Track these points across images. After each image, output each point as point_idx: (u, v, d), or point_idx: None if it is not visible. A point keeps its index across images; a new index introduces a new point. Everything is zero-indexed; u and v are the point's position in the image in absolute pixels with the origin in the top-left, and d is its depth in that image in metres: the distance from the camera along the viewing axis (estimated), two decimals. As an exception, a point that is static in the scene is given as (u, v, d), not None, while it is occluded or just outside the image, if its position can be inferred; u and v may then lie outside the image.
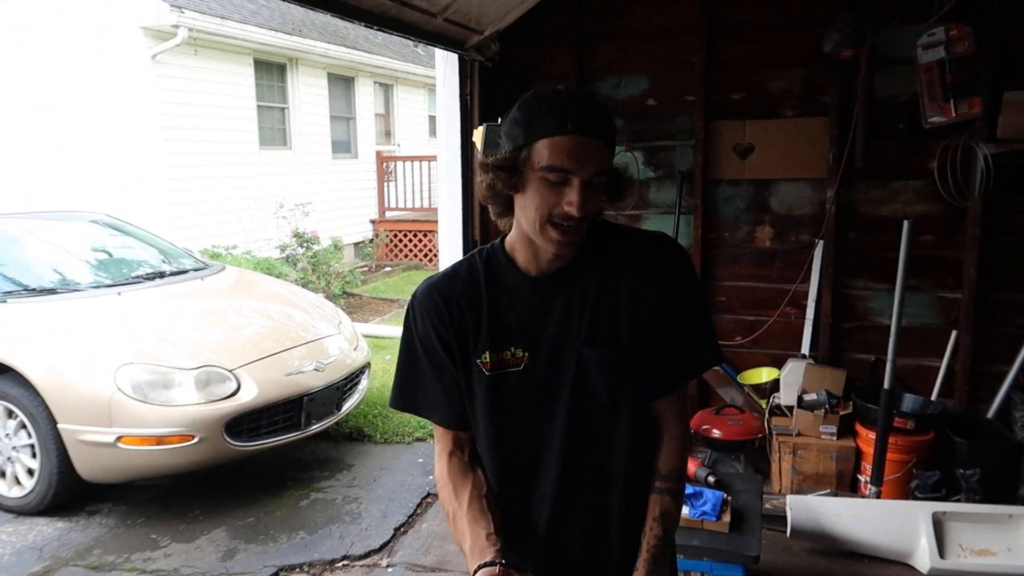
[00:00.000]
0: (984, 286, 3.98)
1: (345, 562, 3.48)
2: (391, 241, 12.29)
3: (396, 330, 7.72)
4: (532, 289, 1.34)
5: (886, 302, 4.09)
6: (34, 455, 3.90)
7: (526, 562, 1.39)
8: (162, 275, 5.01)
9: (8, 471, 4.00)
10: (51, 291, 4.42)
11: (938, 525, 3.23)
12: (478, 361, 1.34)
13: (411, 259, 12.19)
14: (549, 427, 1.35)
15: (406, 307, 1.43)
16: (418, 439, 4.85)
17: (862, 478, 3.79)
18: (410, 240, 12.25)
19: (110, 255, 5.22)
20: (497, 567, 1.23)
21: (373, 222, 12.65)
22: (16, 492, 3.97)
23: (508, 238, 1.38)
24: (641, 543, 1.37)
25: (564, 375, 1.33)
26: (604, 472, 1.37)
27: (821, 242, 4.22)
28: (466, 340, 1.35)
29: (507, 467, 1.39)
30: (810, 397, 3.92)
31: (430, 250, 11.97)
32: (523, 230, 1.32)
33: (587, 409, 1.33)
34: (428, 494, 4.11)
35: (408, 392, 1.43)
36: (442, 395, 1.40)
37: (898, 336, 3.50)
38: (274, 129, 11.10)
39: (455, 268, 1.41)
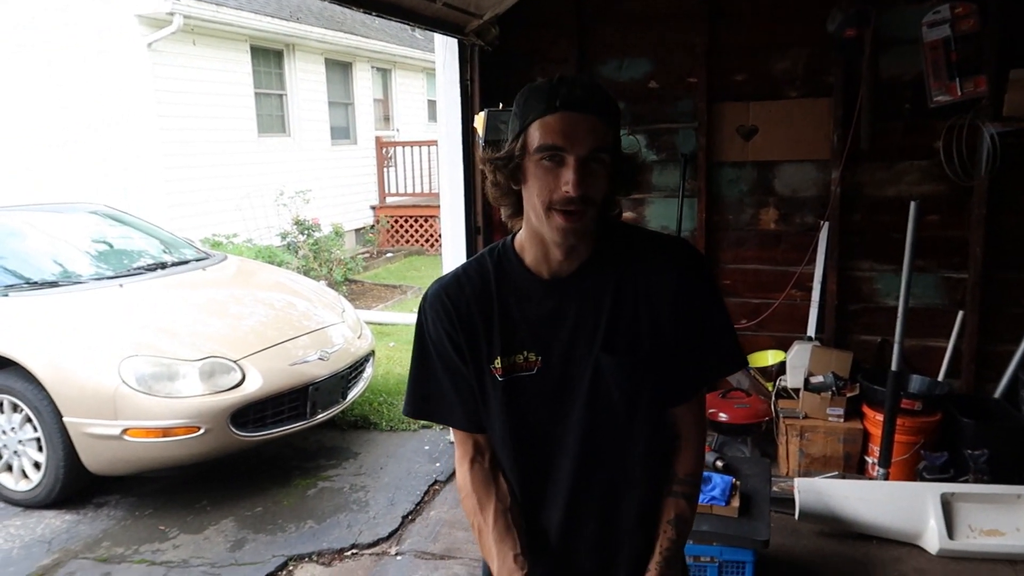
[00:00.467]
0: (991, 266, 3.96)
1: (354, 551, 3.48)
2: (392, 227, 12.26)
3: (399, 316, 7.73)
4: (544, 291, 1.31)
5: (892, 283, 4.08)
6: (40, 448, 3.89)
7: (538, 566, 1.38)
8: (164, 266, 4.99)
9: (15, 465, 4.00)
10: (53, 284, 4.39)
11: (947, 506, 3.23)
12: (491, 366, 1.32)
13: (412, 244, 12.17)
14: (563, 432, 1.33)
15: (417, 309, 1.41)
16: (424, 426, 4.84)
17: (870, 460, 3.79)
18: (411, 225, 12.22)
19: (111, 246, 5.19)
20: None
21: (374, 208, 12.61)
22: (23, 486, 3.97)
23: (518, 236, 1.35)
24: (654, 545, 1.36)
25: (579, 381, 1.30)
26: (617, 477, 1.35)
27: (826, 224, 4.19)
28: (478, 344, 1.33)
29: (522, 470, 1.38)
30: (817, 379, 3.91)
31: (431, 235, 11.94)
32: (532, 226, 1.29)
33: (602, 415, 1.31)
34: (435, 481, 4.12)
35: (422, 398, 1.42)
36: (457, 399, 1.38)
37: (905, 317, 3.48)
38: (272, 116, 11.04)
39: (465, 268, 1.39)
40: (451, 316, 1.34)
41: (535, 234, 1.29)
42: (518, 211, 1.31)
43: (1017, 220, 3.92)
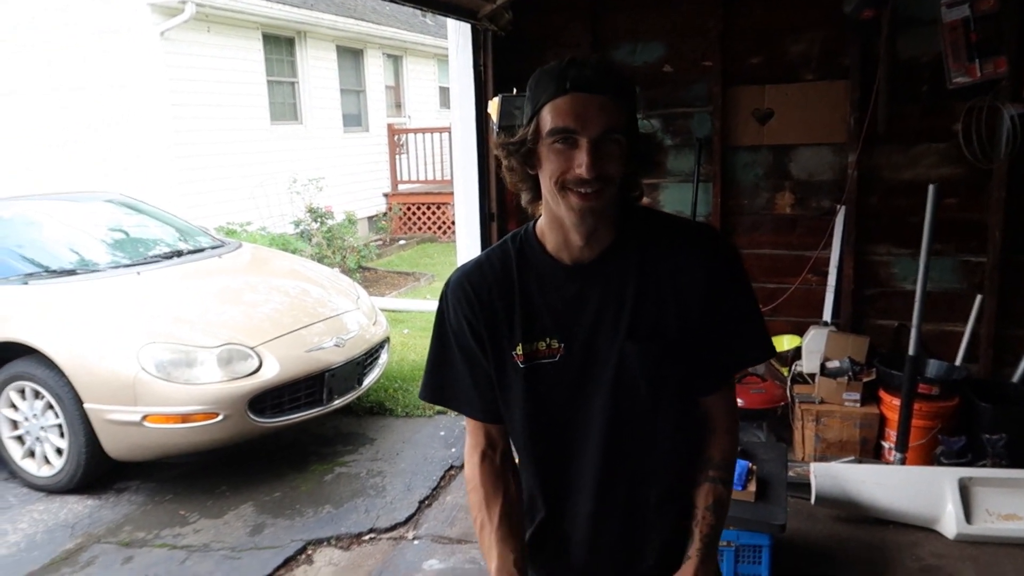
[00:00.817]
0: (1010, 249, 3.92)
1: (372, 535, 3.52)
2: (404, 214, 12.27)
3: (413, 304, 7.76)
4: (566, 277, 1.30)
5: (909, 267, 4.05)
6: (62, 435, 3.94)
7: (566, 555, 1.38)
8: (180, 254, 5.02)
9: (37, 451, 4.05)
10: (71, 272, 4.43)
11: (964, 491, 3.22)
12: (513, 353, 1.31)
13: (425, 232, 12.18)
14: (586, 420, 1.31)
15: (440, 295, 1.40)
16: (439, 412, 4.87)
17: (886, 445, 3.78)
18: (423, 213, 12.23)
19: (127, 235, 5.23)
20: None
21: (386, 195, 12.62)
22: (46, 471, 4.02)
23: (539, 222, 1.33)
24: (683, 533, 1.34)
25: (603, 369, 1.28)
26: (645, 466, 1.33)
27: (843, 208, 4.16)
28: (499, 331, 1.32)
29: (542, 459, 1.37)
30: (833, 364, 3.90)
31: (444, 222, 11.95)
32: (551, 211, 1.27)
33: (627, 404, 1.29)
34: (451, 467, 4.15)
35: (439, 384, 1.41)
36: (473, 388, 1.37)
37: (923, 301, 3.46)
38: (284, 104, 11.05)
39: (488, 255, 1.37)
40: (472, 303, 1.32)
41: (554, 218, 1.27)
42: (537, 195, 1.29)
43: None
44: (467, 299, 1.33)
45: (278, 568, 3.26)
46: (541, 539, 1.42)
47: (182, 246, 5.17)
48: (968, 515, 3.18)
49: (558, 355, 1.29)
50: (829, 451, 3.87)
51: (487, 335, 1.32)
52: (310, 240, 9.30)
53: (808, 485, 3.37)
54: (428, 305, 7.72)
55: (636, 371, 1.27)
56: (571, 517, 1.38)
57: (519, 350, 1.30)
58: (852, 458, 3.78)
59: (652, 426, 1.31)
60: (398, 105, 14.37)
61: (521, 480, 1.43)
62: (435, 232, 12.10)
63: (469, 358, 1.35)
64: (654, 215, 1.35)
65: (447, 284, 1.38)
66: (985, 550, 3.12)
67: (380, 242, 11.21)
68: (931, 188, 3.42)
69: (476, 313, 1.32)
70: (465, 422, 1.45)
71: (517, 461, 1.45)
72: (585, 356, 1.29)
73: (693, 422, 1.36)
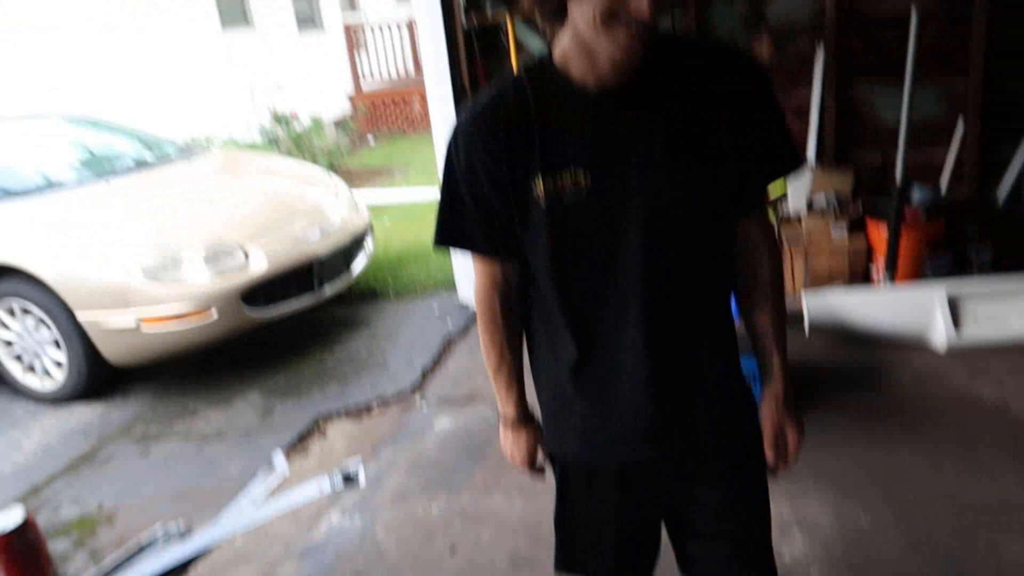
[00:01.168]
0: (991, 72, 3.88)
1: (380, 405, 3.59)
2: (371, 112, 11.98)
3: (390, 193, 7.70)
4: (593, 105, 1.20)
5: (891, 100, 4.01)
6: (59, 347, 3.93)
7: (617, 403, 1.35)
8: (149, 162, 4.89)
9: (37, 366, 4.04)
10: (40, 189, 4.31)
11: (953, 304, 3.30)
12: (534, 189, 1.22)
13: (394, 128, 11.93)
14: (624, 255, 1.23)
15: (447, 142, 1.29)
16: (431, 291, 4.90)
17: (875, 268, 3.84)
18: (389, 109, 11.94)
19: (91, 150, 5.06)
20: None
21: (350, 97, 12.27)
22: (49, 384, 4.03)
23: (558, 50, 1.21)
24: (769, 349, 1.34)
25: (637, 197, 1.20)
26: (689, 294, 1.27)
27: (822, 44, 4.09)
28: (517, 167, 1.22)
29: (577, 302, 1.29)
30: (819, 201, 3.92)
31: (410, 116, 11.71)
32: (580, 37, 1.15)
33: (665, 231, 1.22)
34: (449, 336, 4.20)
35: (450, 228, 1.33)
36: (484, 223, 1.28)
37: (908, 128, 3.45)
38: (233, 6, 10.54)
39: (499, 90, 1.25)
40: (488, 142, 1.22)
41: (583, 45, 1.16)
42: (558, 20, 1.16)
43: (1018, 22, 3.80)
44: (482, 139, 1.23)
45: (293, 444, 3.33)
46: (580, 383, 1.35)
47: (148, 155, 5.04)
48: (958, 327, 3.27)
49: (585, 188, 1.21)
50: (818, 283, 3.92)
51: (507, 170, 1.23)
52: (278, 146, 9.09)
53: (800, 318, 3.44)
54: (406, 195, 7.67)
55: (674, 195, 1.21)
56: (615, 357, 1.30)
57: (539, 184, 1.21)
58: (842, 284, 3.83)
59: (693, 252, 1.26)
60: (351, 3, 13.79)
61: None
62: (403, 127, 11.86)
63: (479, 198, 1.26)
64: (678, 37, 1.27)
65: (455, 128, 1.27)
66: (975, 355, 3.24)
67: (349, 143, 10.98)
68: (913, 12, 3.36)
69: (492, 152, 1.22)
70: (473, 266, 1.38)
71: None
72: (617, 186, 1.21)
73: (731, 245, 1.32)
